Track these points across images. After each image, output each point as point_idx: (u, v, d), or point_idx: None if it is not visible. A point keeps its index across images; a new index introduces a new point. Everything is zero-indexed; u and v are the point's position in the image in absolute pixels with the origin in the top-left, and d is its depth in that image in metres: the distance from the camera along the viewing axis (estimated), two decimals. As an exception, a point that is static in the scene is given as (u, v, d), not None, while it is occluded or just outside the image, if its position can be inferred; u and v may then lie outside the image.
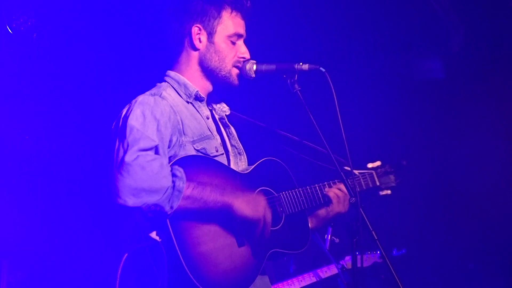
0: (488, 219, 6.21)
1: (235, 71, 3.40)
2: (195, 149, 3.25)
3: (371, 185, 3.70)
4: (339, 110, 3.18)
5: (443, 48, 6.15)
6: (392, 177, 3.75)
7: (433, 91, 6.36)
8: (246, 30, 3.45)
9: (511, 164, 6.13)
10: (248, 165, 3.49)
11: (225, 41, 3.38)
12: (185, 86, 3.38)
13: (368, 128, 6.16)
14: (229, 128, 3.52)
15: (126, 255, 3.15)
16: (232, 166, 3.39)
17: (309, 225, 3.54)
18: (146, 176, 2.97)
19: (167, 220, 3.02)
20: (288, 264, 5.69)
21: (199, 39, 3.37)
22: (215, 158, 3.32)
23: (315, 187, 3.53)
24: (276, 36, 5.63)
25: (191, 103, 3.38)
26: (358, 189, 3.61)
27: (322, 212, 3.57)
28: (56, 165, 5.21)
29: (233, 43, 3.40)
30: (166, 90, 3.33)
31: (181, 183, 3.03)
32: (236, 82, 3.42)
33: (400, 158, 3.76)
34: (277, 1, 5.43)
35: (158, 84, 3.39)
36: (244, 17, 3.44)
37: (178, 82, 3.38)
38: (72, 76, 5.11)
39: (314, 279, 5.39)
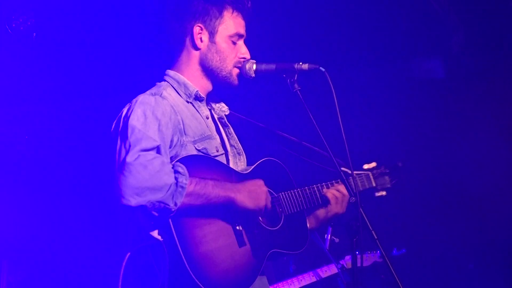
0: (488, 219, 6.20)
1: (235, 71, 3.40)
2: (196, 149, 3.25)
3: (367, 186, 3.71)
4: (339, 109, 3.18)
5: (443, 48, 6.15)
6: (387, 178, 3.75)
7: (433, 91, 6.36)
8: (246, 30, 3.46)
9: (511, 164, 6.12)
10: (247, 165, 3.49)
11: (226, 41, 3.38)
12: (185, 86, 3.37)
13: (368, 128, 6.16)
14: (228, 128, 3.52)
15: (128, 254, 3.15)
16: (231, 166, 3.39)
17: (308, 225, 3.55)
18: (148, 175, 2.97)
19: (169, 220, 3.02)
20: (288, 264, 5.69)
21: (201, 38, 3.37)
22: (216, 158, 3.32)
23: (314, 187, 3.54)
24: (276, 36, 5.63)
25: (191, 102, 3.37)
26: (355, 190, 3.61)
27: (320, 212, 3.57)
28: (56, 164, 5.21)
29: (234, 43, 3.40)
30: (167, 90, 3.32)
31: (184, 179, 3.03)
32: (236, 82, 3.42)
33: (396, 159, 3.76)
34: (277, 1, 5.43)
35: (158, 83, 3.39)
36: (244, 17, 3.44)
37: (178, 82, 3.38)
38: (71, 76, 5.11)
39: (314, 279, 5.40)
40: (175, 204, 3.00)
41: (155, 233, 3.06)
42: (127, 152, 3.02)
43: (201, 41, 3.37)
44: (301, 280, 5.37)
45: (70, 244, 5.22)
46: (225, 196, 3.13)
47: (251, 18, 3.48)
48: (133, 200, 2.94)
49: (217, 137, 3.40)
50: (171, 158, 3.15)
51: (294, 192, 3.47)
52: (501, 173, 6.13)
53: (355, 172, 3.63)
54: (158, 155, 3.06)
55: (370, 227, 3.11)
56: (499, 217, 6.17)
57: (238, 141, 3.52)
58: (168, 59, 3.46)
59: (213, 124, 3.43)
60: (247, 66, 3.39)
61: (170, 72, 3.41)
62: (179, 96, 3.35)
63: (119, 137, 3.11)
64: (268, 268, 3.39)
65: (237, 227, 3.21)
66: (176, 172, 3.04)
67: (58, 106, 5.19)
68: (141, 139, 3.06)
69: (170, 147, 3.16)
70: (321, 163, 3.62)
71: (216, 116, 3.49)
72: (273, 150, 3.64)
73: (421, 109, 6.34)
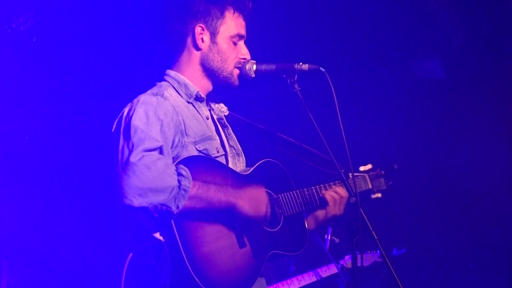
0: (488, 219, 6.21)
1: (236, 72, 3.40)
2: (197, 149, 3.25)
3: (364, 188, 3.72)
4: (339, 110, 3.18)
5: (443, 48, 6.15)
6: (382, 180, 3.76)
7: (433, 91, 6.36)
8: (246, 31, 3.46)
9: (511, 164, 6.13)
10: (246, 166, 3.49)
11: (227, 42, 3.38)
12: (186, 86, 3.37)
13: (368, 128, 6.16)
14: (228, 128, 3.52)
15: (131, 255, 3.15)
16: (231, 166, 3.39)
17: (307, 226, 3.55)
18: (151, 176, 2.96)
19: (171, 220, 3.03)
20: (288, 264, 5.70)
21: (202, 39, 3.37)
22: (216, 159, 3.32)
23: (312, 189, 3.54)
24: (276, 36, 5.63)
25: (191, 103, 3.37)
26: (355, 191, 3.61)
27: (319, 213, 3.58)
28: (56, 164, 5.21)
29: (235, 44, 3.40)
30: (168, 90, 3.32)
31: (187, 183, 3.03)
32: (236, 82, 3.42)
33: (395, 161, 3.77)
34: (277, 1, 5.43)
35: (158, 83, 3.39)
36: (245, 18, 3.44)
37: (178, 82, 3.38)
38: (71, 76, 5.11)
39: (314, 278, 5.40)
40: (177, 207, 3.00)
41: (157, 234, 3.06)
42: (130, 152, 3.02)
43: (203, 41, 3.37)
44: (301, 280, 5.38)
45: (70, 244, 5.22)
46: (226, 201, 3.14)
47: (252, 18, 3.48)
48: (135, 201, 2.93)
49: (217, 137, 3.40)
50: (173, 159, 3.14)
51: (293, 194, 3.47)
52: (501, 173, 6.13)
53: (349, 174, 3.63)
54: (162, 156, 3.06)
55: (370, 227, 3.11)
56: (499, 217, 6.17)
57: (237, 142, 3.52)
58: (167, 59, 3.46)
59: (213, 124, 3.43)
60: (247, 66, 3.39)
61: (171, 72, 3.40)
62: (179, 96, 3.35)
63: (121, 137, 3.10)
64: (267, 269, 3.40)
65: (238, 228, 3.21)
66: (179, 174, 3.04)
67: (58, 106, 5.18)
68: (144, 139, 3.05)
69: (171, 148, 3.16)
70: (318, 165, 3.63)
71: (215, 117, 3.49)
72: (271, 151, 3.64)
73: (421, 109, 6.34)
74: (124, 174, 2.97)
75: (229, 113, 3.55)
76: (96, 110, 5.09)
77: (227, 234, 3.17)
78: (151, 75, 3.47)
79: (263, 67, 3.38)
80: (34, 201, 5.14)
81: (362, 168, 3.74)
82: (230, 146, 3.47)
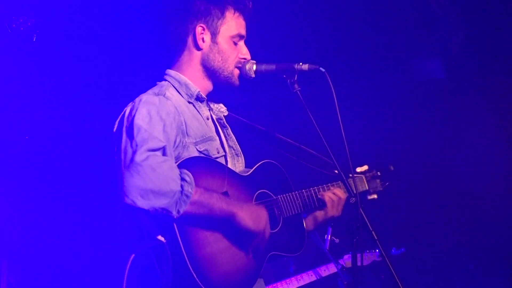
0: (488, 219, 6.21)
1: (236, 72, 3.40)
2: (198, 150, 3.25)
3: (360, 189, 3.70)
4: (339, 110, 3.18)
5: (443, 48, 6.15)
6: (379, 181, 3.75)
7: (433, 91, 6.36)
8: (247, 31, 3.46)
9: (511, 164, 6.13)
10: (245, 167, 3.49)
11: (227, 42, 3.38)
12: (186, 86, 3.37)
13: (367, 128, 6.16)
14: (227, 129, 3.51)
15: (133, 256, 3.14)
16: (230, 167, 3.38)
17: (306, 227, 3.55)
18: (155, 178, 2.95)
19: (173, 222, 3.02)
20: (288, 264, 5.70)
21: (202, 39, 3.36)
22: (217, 160, 3.32)
23: (310, 190, 3.53)
24: (276, 36, 5.63)
25: (191, 103, 3.37)
26: (355, 191, 3.61)
27: (317, 214, 3.57)
28: (56, 164, 5.21)
29: (235, 44, 3.40)
30: (169, 90, 3.31)
31: (189, 188, 3.02)
32: (237, 82, 3.41)
33: (389, 162, 3.77)
34: (277, 1, 5.43)
35: (159, 83, 3.38)
36: (245, 18, 3.44)
37: (179, 82, 3.37)
38: (71, 75, 5.11)
39: (313, 278, 5.40)
40: (178, 212, 2.99)
41: (158, 235, 3.06)
42: (134, 152, 3.01)
43: (203, 41, 3.36)
44: (300, 280, 5.38)
45: (71, 244, 5.22)
46: (228, 211, 3.13)
47: (252, 18, 3.48)
48: (137, 202, 2.93)
49: (217, 138, 3.40)
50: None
51: (292, 195, 3.47)
52: (501, 173, 6.14)
53: (349, 175, 3.63)
54: (167, 158, 3.05)
55: (370, 228, 3.11)
56: (499, 217, 6.18)
57: (236, 142, 3.52)
58: (167, 59, 3.45)
59: (213, 125, 3.43)
60: (247, 66, 3.39)
61: (171, 72, 3.40)
62: (180, 96, 3.34)
63: (124, 136, 3.09)
64: (266, 269, 3.40)
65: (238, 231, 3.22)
66: (182, 179, 3.03)
67: (59, 105, 5.19)
68: (147, 139, 3.05)
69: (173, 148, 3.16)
70: (317, 166, 3.63)
71: (214, 117, 3.48)
72: (270, 152, 3.64)
73: (421, 109, 6.34)
74: (128, 173, 2.96)
75: (228, 113, 3.55)
76: (96, 110, 5.10)
77: (227, 236, 3.17)
78: (151, 74, 3.46)
79: (263, 67, 3.38)
80: (34, 201, 5.14)
81: (358, 169, 3.74)
82: (229, 146, 3.46)
